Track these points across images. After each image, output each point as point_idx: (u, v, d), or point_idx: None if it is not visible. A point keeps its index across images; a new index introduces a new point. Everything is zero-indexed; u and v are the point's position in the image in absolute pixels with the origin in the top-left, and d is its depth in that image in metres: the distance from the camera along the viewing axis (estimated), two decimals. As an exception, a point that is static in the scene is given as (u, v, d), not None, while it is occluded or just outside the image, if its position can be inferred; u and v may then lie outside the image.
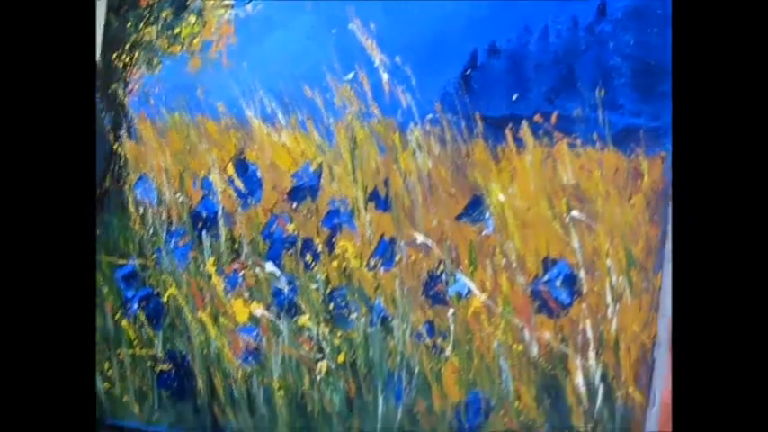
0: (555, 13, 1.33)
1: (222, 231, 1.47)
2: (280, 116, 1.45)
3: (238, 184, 1.47)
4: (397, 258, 1.39)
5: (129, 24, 1.54)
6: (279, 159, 1.45)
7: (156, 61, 1.52)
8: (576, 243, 1.30)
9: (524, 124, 1.33)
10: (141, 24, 1.54)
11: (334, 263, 1.42)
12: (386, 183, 1.40)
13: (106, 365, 1.51)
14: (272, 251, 1.45)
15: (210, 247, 1.48)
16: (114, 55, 1.55)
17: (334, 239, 1.42)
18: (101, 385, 1.51)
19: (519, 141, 1.33)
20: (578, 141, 1.31)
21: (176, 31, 1.52)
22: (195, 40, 1.50)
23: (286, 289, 1.44)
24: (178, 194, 1.50)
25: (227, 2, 1.49)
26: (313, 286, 1.42)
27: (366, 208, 1.41)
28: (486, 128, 1.35)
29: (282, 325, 1.43)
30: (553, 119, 1.32)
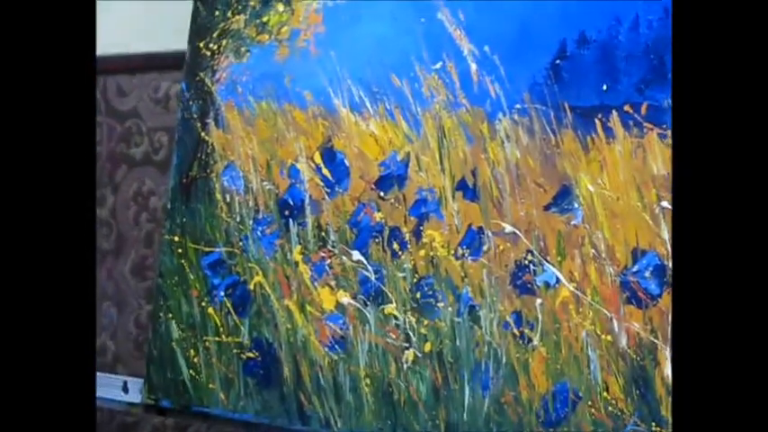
0: (646, 2, 1.33)
1: (309, 220, 1.49)
2: (368, 105, 1.46)
3: (326, 172, 1.49)
4: (484, 248, 1.39)
5: (218, 13, 1.56)
6: (366, 148, 1.46)
7: (243, 50, 1.54)
8: (665, 234, 1.30)
9: (614, 114, 1.33)
10: (229, 13, 1.56)
11: (422, 252, 1.43)
12: (474, 173, 1.40)
13: (192, 352, 1.54)
14: (358, 240, 1.46)
15: (297, 235, 1.50)
16: (202, 43, 1.57)
17: (421, 228, 1.43)
18: (186, 372, 1.54)
19: (609, 131, 1.33)
20: (668, 132, 1.30)
21: (264, 19, 1.53)
22: (283, 29, 1.52)
23: (373, 277, 1.45)
24: (265, 182, 1.52)
25: None
26: (400, 275, 1.43)
27: (454, 197, 1.41)
28: (576, 118, 1.35)
29: (369, 313, 1.45)
30: (643, 109, 1.32)
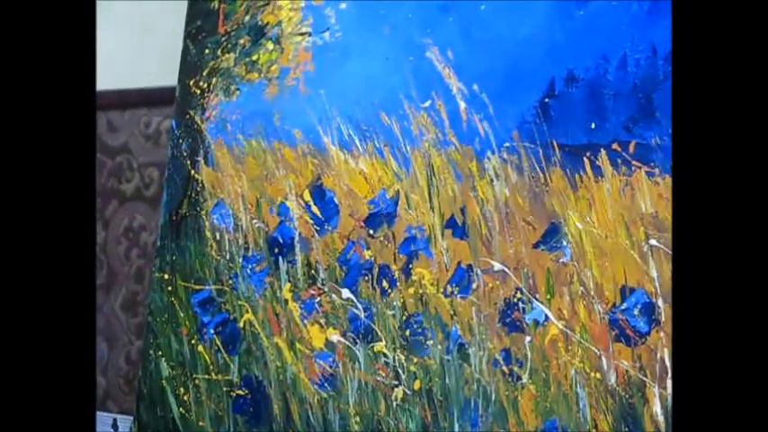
0: (634, 41, 1.34)
1: (299, 257, 1.49)
2: (357, 143, 1.47)
3: (315, 210, 1.49)
4: (473, 286, 1.39)
5: (207, 51, 1.57)
6: (356, 186, 1.47)
7: (233, 88, 1.55)
8: (654, 272, 1.30)
9: (602, 152, 1.34)
10: (219, 51, 1.56)
11: (411, 290, 1.43)
12: (463, 211, 1.41)
13: (182, 390, 1.53)
14: (348, 277, 1.46)
15: (287, 272, 1.50)
16: (192, 81, 1.58)
17: (410, 266, 1.43)
18: (176, 410, 1.53)
19: (597, 170, 1.34)
20: (657, 170, 1.31)
21: (254, 57, 1.54)
22: (273, 67, 1.53)
23: (362, 315, 1.45)
24: (255, 220, 1.52)
25: (304, 29, 1.51)
26: (389, 313, 1.43)
27: (443, 235, 1.42)
28: (564, 156, 1.36)
29: (359, 351, 1.44)
30: (631, 147, 1.33)
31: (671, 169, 1.27)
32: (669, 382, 1.28)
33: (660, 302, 1.30)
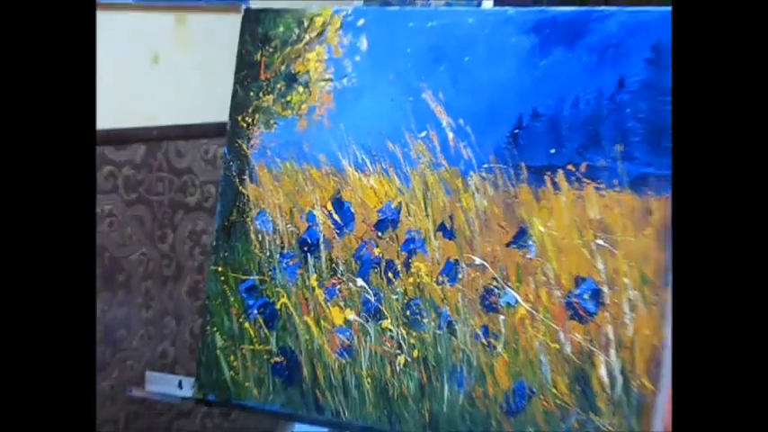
0: (584, 85, 1.35)
1: (323, 254, 1.50)
2: (368, 165, 1.48)
3: (336, 217, 1.50)
4: (459, 276, 1.41)
5: (252, 93, 1.57)
6: (367, 198, 1.48)
7: (272, 122, 1.55)
8: (600, 265, 1.32)
9: (560, 172, 1.36)
10: (261, 93, 1.57)
11: (411, 279, 1.44)
12: (451, 217, 1.42)
13: (232, 358, 1.54)
14: (361, 270, 1.48)
15: (314, 266, 1.51)
16: (240, 117, 1.58)
17: (410, 261, 1.44)
18: (227, 373, 1.54)
19: (556, 185, 1.36)
20: (602, 186, 1.33)
21: (288, 98, 1.55)
22: (303, 106, 1.53)
23: (373, 299, 1.46)
24: (289, 225, 1.53)
25: (327, 76, 1.52)
26: (394, 297, 1.45)
27: (435, 237, 1.43)
28: (530, 175, 1.38)
29: (370, 327, 1.46)
30: (582, 168, 1.35)
31: (671, 177, 1.25)
32: (612, 352, 1.30)
33: (605, 289, 1.32)
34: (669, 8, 1.30)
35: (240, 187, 1.57)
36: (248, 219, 1.56)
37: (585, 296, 1.33)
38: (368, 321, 1.46)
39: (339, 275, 1.49)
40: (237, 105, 1.58)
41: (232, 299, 1.56)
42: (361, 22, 1.51)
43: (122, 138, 2.31)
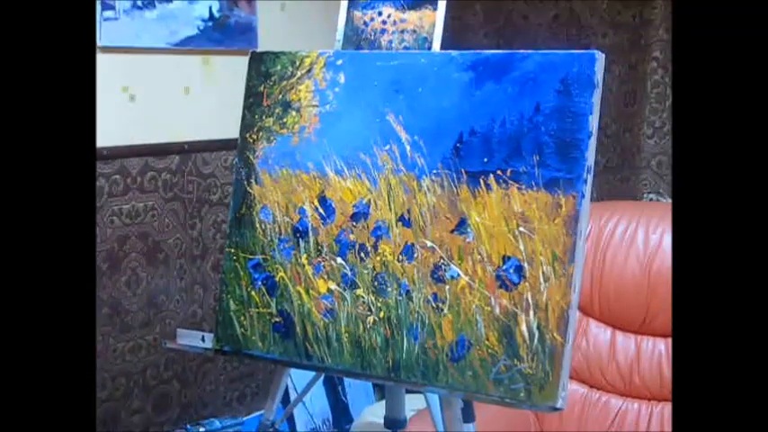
0: (509, 109, 1.32)
1: (311, 239, 1.45)
2: (346, 170, 1.43)
3: (321, 211, 1.45)
4: (415, 255, 1.36)
5: (256, 116, 1.52)
6: (345, 196, 1.43)
7: (272, 138, 1.50)
8: (522, 246, 1.28)
9: (491, 176, 1.32)
10: (264, 116, 1.51)
11: (378, 258, 1.40)
12: (409, 211, 1.38)
13: (242, 318, 1.49)
14: (341, 251, 1.43)
15: (304, 248, 1.46)
16: (248, 134, 1.53)
17: (378, 244, 1.40)
18: (239, 330, 1.49)
19: (488, 186, 1.32)
20: (523, 186, 1.29)
21: (284, 120, 1.49)
22: (296, 126, 1.48)
23: (349, 273, 1.41)
24: (285, 217, 1.48)
25: (314, 103, 1.47)
26: (365, 272, 1.40)
27: (397, 226, 1.38)
28: (468, 178, 1.33)
29: (347, 295, 1.41)
30: (508, 173, 1.31)
31: (671, 174, 1.15)
32: (531, 313, 1.26)
33: (526, 265, 1.28)
34: (574, 51, 1.27)
35: (248, 188, 1.52)
36: (254, 212, 1.51)
37: (511, 270, 1.29)
38: (345, 290, 1.41)
39: (323, 255, 1.44)
40: (246, 125, 1.53)
41: (242, 273, 1.51)
42: (339, 62, 1.46)
43: (162, 150, 2.34)
